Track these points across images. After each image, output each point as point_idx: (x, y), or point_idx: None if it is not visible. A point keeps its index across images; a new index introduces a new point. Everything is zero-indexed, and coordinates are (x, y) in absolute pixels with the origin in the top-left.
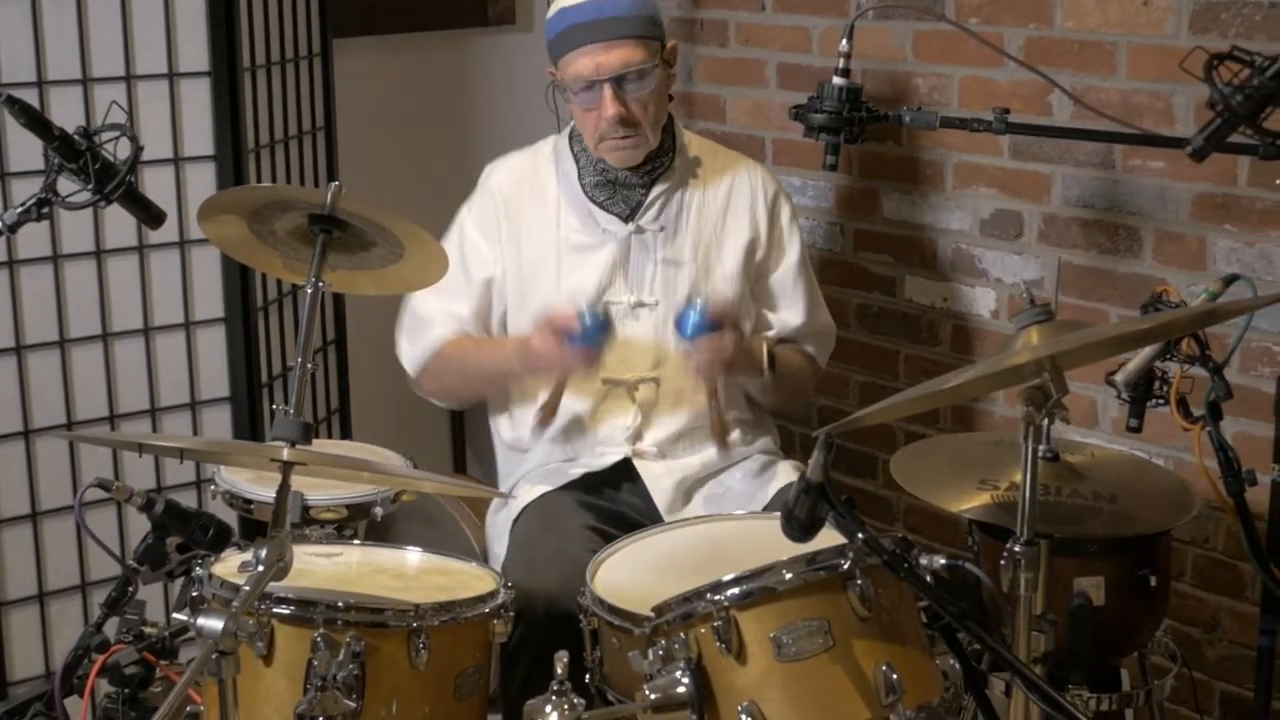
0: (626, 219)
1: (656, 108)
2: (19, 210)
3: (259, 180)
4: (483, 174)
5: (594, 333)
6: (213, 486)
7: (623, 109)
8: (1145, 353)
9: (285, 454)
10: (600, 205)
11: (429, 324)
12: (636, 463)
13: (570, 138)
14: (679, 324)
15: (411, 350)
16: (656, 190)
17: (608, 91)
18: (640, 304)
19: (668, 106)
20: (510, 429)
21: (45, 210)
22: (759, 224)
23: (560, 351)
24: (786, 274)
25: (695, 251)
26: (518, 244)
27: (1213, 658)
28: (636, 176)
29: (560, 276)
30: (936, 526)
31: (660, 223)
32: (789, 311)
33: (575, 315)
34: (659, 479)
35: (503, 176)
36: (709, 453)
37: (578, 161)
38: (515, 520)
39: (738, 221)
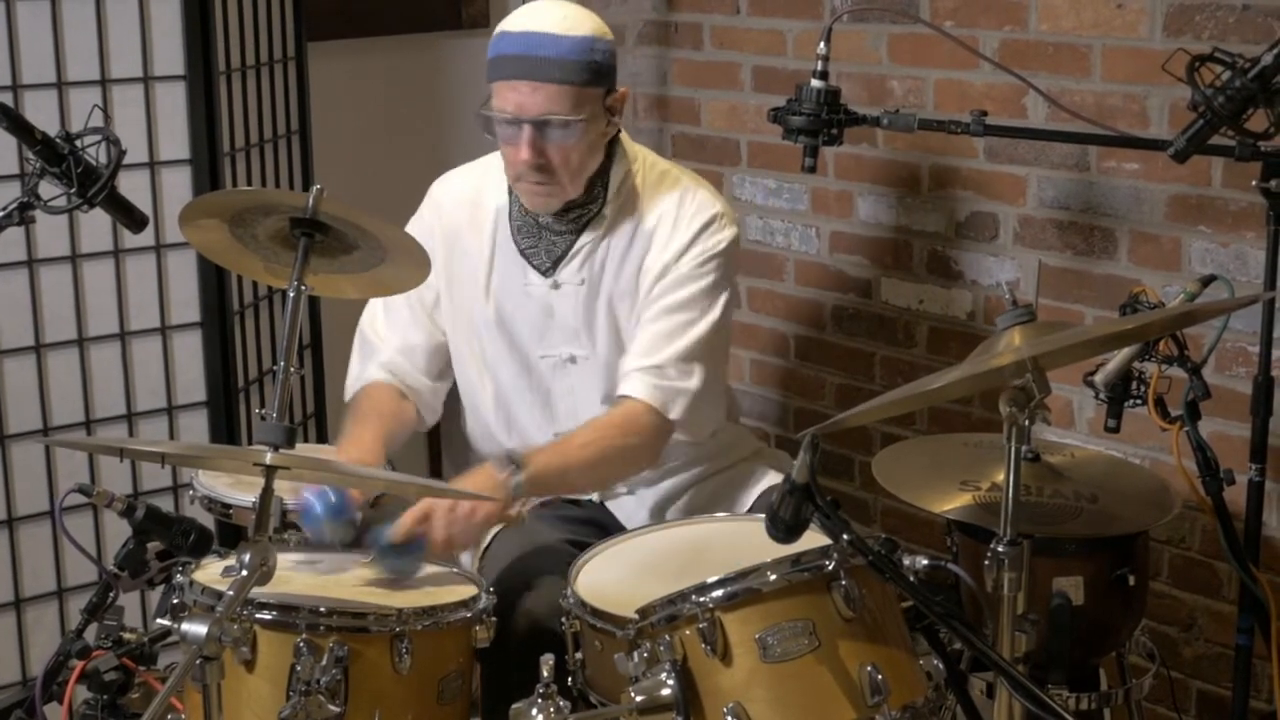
0: (547, 271)
1: (580, 158)
2: (0, 214)
3: (234, 184)
4: (431, 188)
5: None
6: (191, 492)
7: (537, 155)
8: (1124, 353)
9: (269, 458)
10: (523, 253)
11: (374, 351)
12: (606, 502)
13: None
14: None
15: (354, 374)
16: (584, 239)
17: (526, 134)
18: (573, 358)
19: (599, 156)
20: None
21: (27, 214)
22: (675, 243)
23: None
24: (663, 280)
25: (609, 305)
26: (452, 269)
27: (1190, 657)
28: (561, 224)
29: (489, 322)
30: (913, 528)
31: (581, 276)
32: (645, 323)
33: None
34: (632, 514)
35: (445, 193)
36: (679, 477)
37: (510, 193)
38: (490, 541)
39: (656, 253)
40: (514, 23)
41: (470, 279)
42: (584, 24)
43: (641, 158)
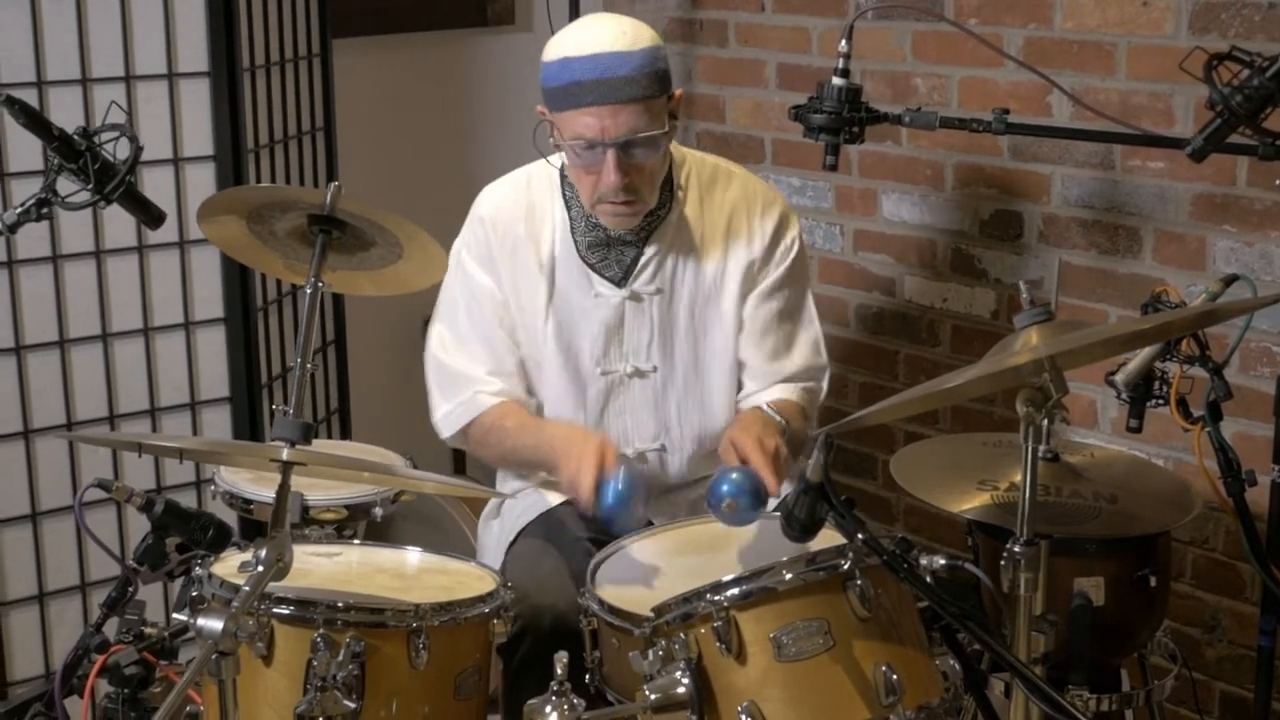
0: (620, 282)
1: (659, 169)
2: (19, 210)
3: (258, 180)
4: (475, 203)
5: (615, 504)
6: (213, 487)
7: (626, 176)
8: (1145, 353)
9: (285, 454)
10: (592, 267)
11: (467, 383)
12: None
13: (563, 179)
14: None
15: (450, 413)
16: (651, 249)
17: (612, 157)
18: (637, 372)
19: (668, 163)
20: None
21: (45, 210)
22: (755, 246)
23: (582, 491)
24: (759, 296)
25: (691, 312)
26: (514, 284)
27: (1212, 658)
28: (631, 234)
29: (548, 336)
30: (936, 527)
31: (656, 284)
32: (755, 343)
33: (611, 471)
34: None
35: (498, 208)
36: (704, 486)
37: (569, 209)
38: (515, 539)
39: (736, 257)
40: (573, 46)
41: (530, 294)
42: (644, 34)
43: (689, 156)
